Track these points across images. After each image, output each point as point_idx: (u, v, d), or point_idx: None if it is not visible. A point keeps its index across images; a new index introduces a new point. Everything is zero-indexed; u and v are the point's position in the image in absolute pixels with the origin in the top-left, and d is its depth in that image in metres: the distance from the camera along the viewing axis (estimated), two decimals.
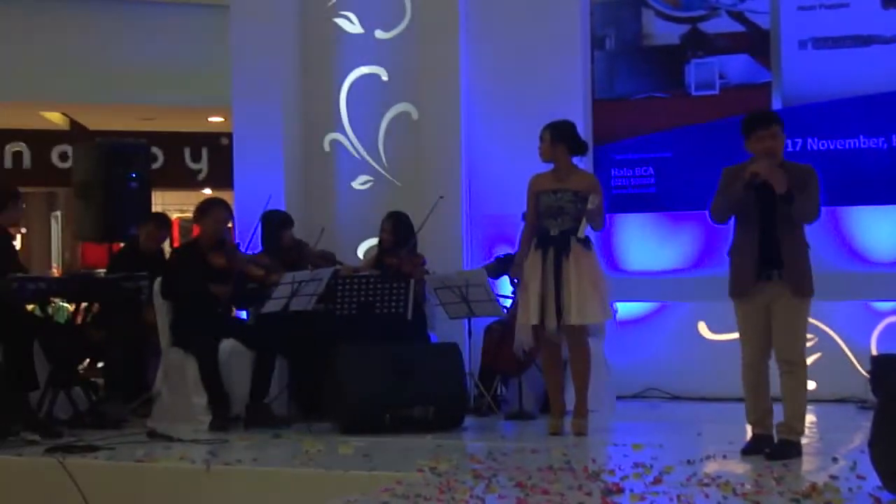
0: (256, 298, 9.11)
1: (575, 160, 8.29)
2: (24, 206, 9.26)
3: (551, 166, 8.21)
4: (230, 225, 9.57)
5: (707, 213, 7.20)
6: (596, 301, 8.00)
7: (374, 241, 10.12)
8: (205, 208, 9.13)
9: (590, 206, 7.88)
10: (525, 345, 8.16)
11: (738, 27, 10.29)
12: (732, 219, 7.10)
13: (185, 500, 6.92)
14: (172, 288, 8.93)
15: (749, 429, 7.18)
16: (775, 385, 7.05)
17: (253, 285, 9.13)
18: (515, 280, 8.27)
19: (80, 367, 9.65)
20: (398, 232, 9.59)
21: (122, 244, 10.34)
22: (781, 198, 6.79)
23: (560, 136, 8.16)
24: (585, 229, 7.98)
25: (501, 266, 9.54)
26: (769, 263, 6.90)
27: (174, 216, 18.96)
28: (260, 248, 9.58)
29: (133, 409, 9.20)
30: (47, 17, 14.38)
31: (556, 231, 8.03)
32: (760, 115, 7.32)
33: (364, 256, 10.31)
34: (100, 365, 9.95)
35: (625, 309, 10.16)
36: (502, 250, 10.01)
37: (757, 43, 10.22)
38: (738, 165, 7.05)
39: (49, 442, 7.75)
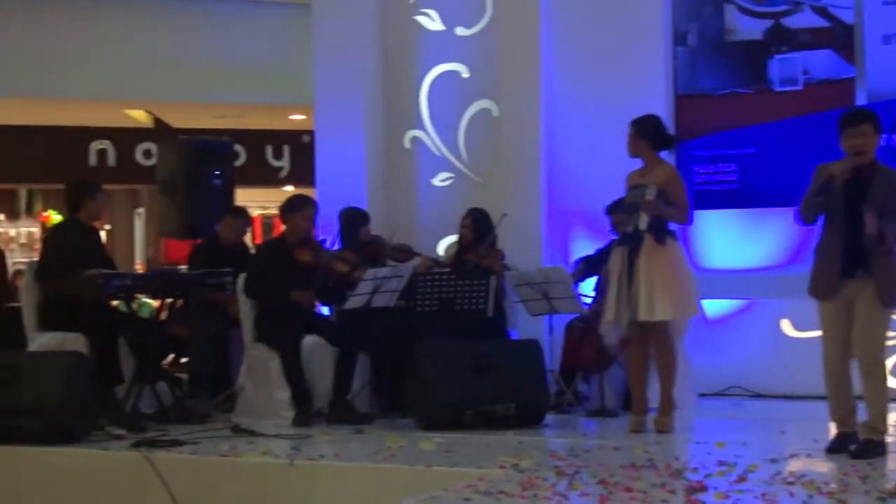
0: (341, 295, 9.15)
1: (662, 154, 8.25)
2: (105, 199, 9.34)
3: (642, 162, 8.18)
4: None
5: (795, 213, 7.09)
6: (667, 297, 7.89)
7: (454, 237, 10.13)
8: (294, 205, 9.14)
9: (647, 197, 7.86)
10: (610, 340, 8.14)
11: (822, 22, 10.19)
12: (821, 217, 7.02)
13: (269, 495, 6.97)
14: (256, 291, 8.99)
15: (833, 427, 7.11)
16: (858, 383, 6.99)
17: (337, 282, 9.17)
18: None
19: (165, 362, 9.76)
20: (478, 228, 9.60)
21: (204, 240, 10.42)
22: (870, 238, 6.71)
23: (641, 132, 8.13)
24: (656, 222, 7.94)
25: (587, 267, 9.49)
26: (853, 264, 6.82)
27: (255, 213, 19.10)
28: (338, 244, 9.62)
29: (217, 405, 9.27)
30: (132, 16, 14.51)
31: (631, 227, 8.00)
32: (852, 113, 7.21)
33: (445, 253, 10.33)
34: (184, 360, 10.05)
35: (707, 306, 10.06)
36: (582, 247, 9.98)
37: (841, 38, 10.11)
38: (829, 163, 6.96)
39: (134, 436, 7.83)
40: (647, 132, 8.12)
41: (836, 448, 6.94)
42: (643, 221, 7.92)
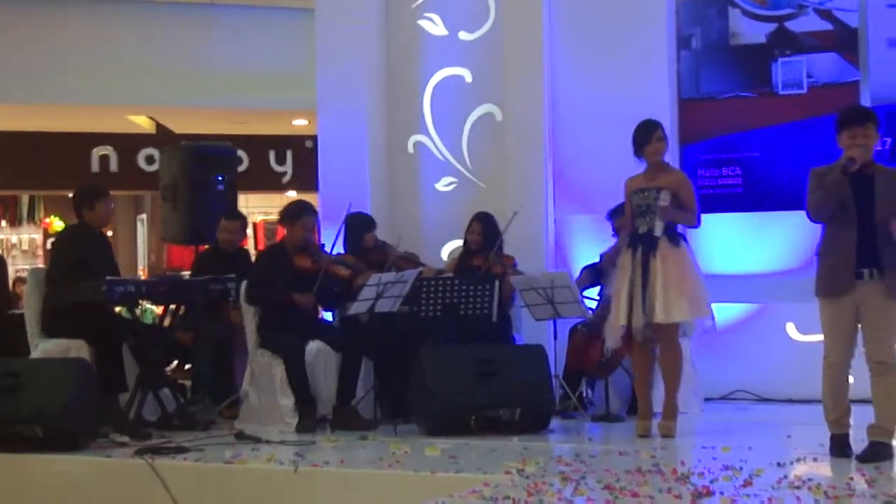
0: (342, 299, 9.14)
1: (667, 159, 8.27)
2: (112, 205, 9.33)
3: (643, 168, 8.16)
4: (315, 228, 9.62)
5: (806, 213, 7.06)
6: (683, 299, 7.92)
7: (458, 242, 10.11)
8: (295, 213, 9.14)
9: (661, 203, 7.87)
10: (614, 344, 8.11)
11: (826, 25, 10.17)
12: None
13: (273, 502, 6.95)
14: (258, 297, 8.98)
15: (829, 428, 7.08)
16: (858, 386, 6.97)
17: (338, 286, 9.17)
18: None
19: (169, 368, 9.74)
20: (487, 233, 9.57)
21: (207, 246, 10.41)
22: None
23: (665, 135, 8.17)
24: (671, 227, 7.95)
25: (591, 276, 9.48)
26: (863, 262, 6.80)
27: (258, 219, 19.10)
28: (344, 250, 9.61)
29: (221, 411, 9.27)
30: (134, 22, 14.52)
31: (643, 230, 7.99)
32: (857, 111, 7.20)
33: (448, 258, 10.30)
34: (187, 367, 10.04)
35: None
36: (587, 251, 9.96)
37: (845, 41, 10.09)
38: (826, 166, 6.96)
39: (138, 443, 7.83)
40: (665, 137, 8.16)
41: (838, 452, 6.92)
42: (658, 227, 7.93)
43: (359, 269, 9.13)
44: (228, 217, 10.07)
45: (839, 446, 6.94)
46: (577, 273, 9.75)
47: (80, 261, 8.74)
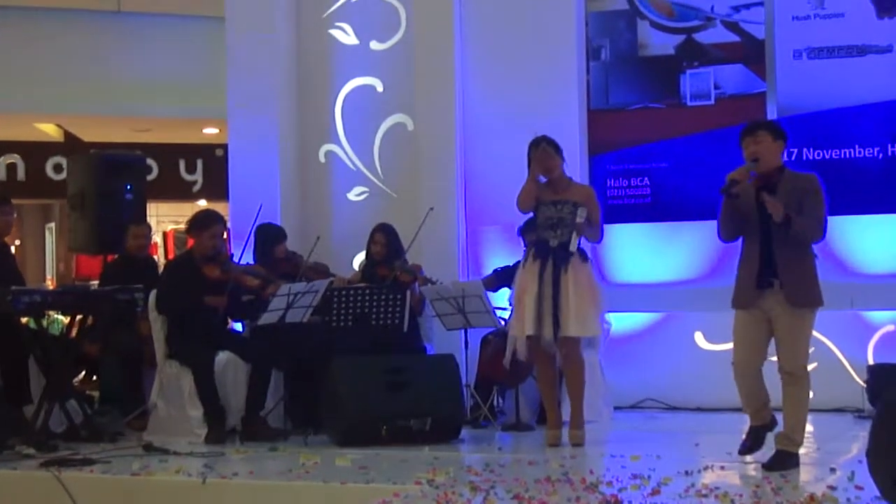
0: (252, 309, 9.10)
1: (568, 169, 8.32)
2: (14, 214, 9.20)
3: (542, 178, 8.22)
4: (225, 237, 9.56)
5: (717, 233, 7.17)
6: (593, 313, 8.03)
7: None
8: (203, 223, 9.07)
9: (578, 219, 7.94)
10: (521, 355, 8.14)
11: (733, 37, 10.30)
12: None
13: None
14: (168, 303, 8.91)
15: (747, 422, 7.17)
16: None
17: (249, 296, 9.14)
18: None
19: (75, 379, 9.62)
20: (390, 243, 9.59)
21: (115, 256, 10.30)
22: (778, 225, 6.78)
23: (558, 149, 8.21)
24: (578, 241, 8.01)
25: (499, 279, 9.53)
26: (769, 273, 6.89)
27: (169, 227, 18.96)
28: (253, 261, 9.56)
29: (128, 422, 9.17)
30: (41, 28, 14.37)
31: (555, 242, 8.02)
32: (748, 124, 7.29)
33: (357, 269, 10.28)
34: (94, 378, 9.93)
35: (621, 320, 10.12)
36: (498, 262, 9.99)
37: (752, 53, 10.23)
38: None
39: (44, 455, 7.72)
40: (560, 150, 8.20)
41: (750, 445, 7.03)
42: (573, 243, 7.98)
43: (269, 279, 9.09)
44: (137, 223, 10.00)
45: (752, 439, 7.06)
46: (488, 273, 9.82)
47: None
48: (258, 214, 9.61)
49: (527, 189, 8.14)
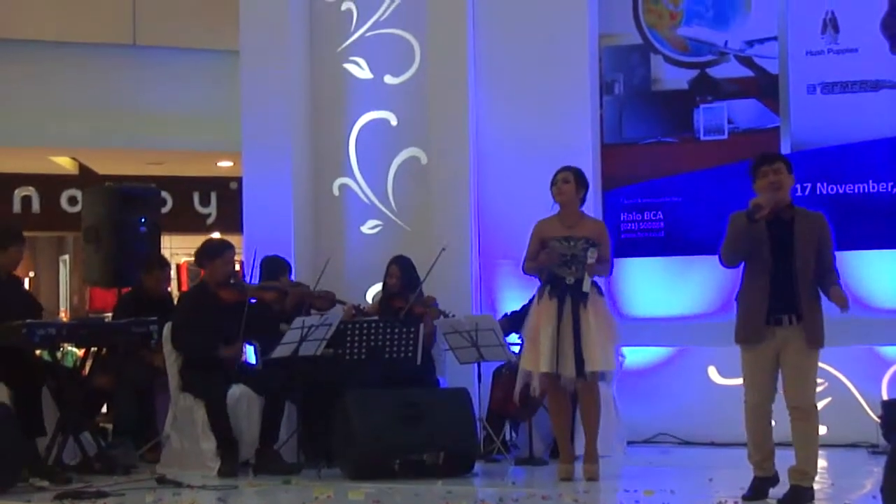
0: (274, 326, 9.04)
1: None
2: (24, 249, 9.16)
3: (556, 211, 8.22)
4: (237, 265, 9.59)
5: (718, 257, 7.18)
6: (612, 346, 8.06)
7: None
8: (214, 251, 9.13)
9: (589, 261, 7.92)
10: (534, 391, 8.13)
11: (747, 72, 10.31)
12: (742, 264, 7.09)
13: None
14: (182, 342, 8.93)
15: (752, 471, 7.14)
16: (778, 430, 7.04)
17: (270, 312, 9.11)
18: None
19: (97, 415, 9.62)
20: (405, 276, 9.60)
21: (129, 289, 10.32)
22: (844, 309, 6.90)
23: (583, 182, 8.22)
24: (590, 281, 8.00)
25: (510, 324, 9.49)
26: (781, 308, 6.88)
27: (182, 260, 18.96)
28: None
29: (142, 455, 9.18)
30: (56, 61, 14.42)
31: (571, 279, 8.01)
32: (764, 154, 7.30)
33: (371, 301, 10.28)
34: (104, 411, 9.92)
35: (634, 354, 10.10)
36: (512, 296, 9.98)
37: (765, 88, 10.24)
38: (744, 211, 7.03)
39: (58, 488, 7.73)
40: (585, 183, 8.22)
41: (753, 495, 6.99)
42: (587, 283, 7.97)
43: (285, 290, 9.12)
44: (159, 266, 10.04)
45: (756, 490, 7.01)
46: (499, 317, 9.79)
47: None
48: (254, 259, 9.61)
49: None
